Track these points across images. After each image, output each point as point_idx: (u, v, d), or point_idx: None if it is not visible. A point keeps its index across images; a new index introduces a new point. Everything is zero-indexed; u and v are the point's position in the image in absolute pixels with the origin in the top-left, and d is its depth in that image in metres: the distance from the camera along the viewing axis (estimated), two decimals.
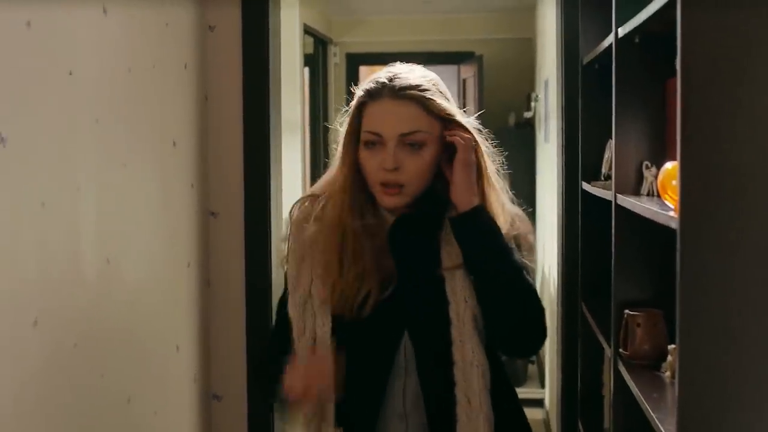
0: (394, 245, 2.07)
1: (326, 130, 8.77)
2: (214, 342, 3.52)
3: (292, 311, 2.10)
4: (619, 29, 2.45)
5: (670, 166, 2.01)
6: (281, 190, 3.77)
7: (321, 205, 2.11)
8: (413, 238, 2.08)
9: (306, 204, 2.15)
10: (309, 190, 2.23)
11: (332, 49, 8.77)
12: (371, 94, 2.03)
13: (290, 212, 2.17)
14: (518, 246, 2.06)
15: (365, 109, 2.04)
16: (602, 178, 3.16)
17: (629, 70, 2.49)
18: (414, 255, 2.07)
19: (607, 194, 2.68)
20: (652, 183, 2.37)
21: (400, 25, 8.84)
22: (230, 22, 3.49)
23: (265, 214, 3.55)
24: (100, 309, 2.59)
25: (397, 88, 2.00)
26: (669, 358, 2.30)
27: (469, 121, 2.07)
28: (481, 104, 8.09)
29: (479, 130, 2.08)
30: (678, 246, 1.65)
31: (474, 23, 8.65)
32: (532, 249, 2.12)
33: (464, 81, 9.02)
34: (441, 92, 2.04)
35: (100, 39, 2.59)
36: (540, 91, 6.73)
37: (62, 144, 2.38)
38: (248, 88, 3.49)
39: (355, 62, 9.09)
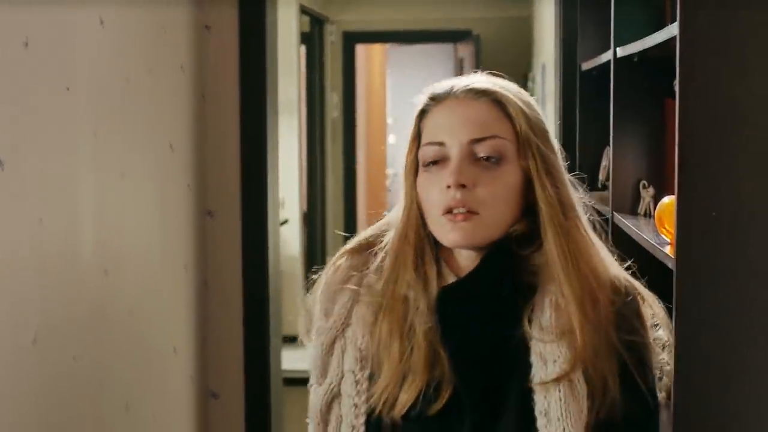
0: (446, 328, 1.47)
1: (323, 110, 8.76)
2: (212, 341, 3.53)
3: (313, 407, 1.60)
4: (618, 49, 2.45)
5: (668, 201, 2.00)
6: (278, 187, 3.78)
7: (374, 260, 1.58)
8: (476, 318, 1.48)
9: (347, 260, 1.61)
10: (357, 238, 1.64)
11: (329, 28, 8.73)
12: (435, 98, 1.53)
13: (326, 270, 1.63)
14: (629, 328, 1.49)
15: (426, 119, 1.54)
16: (599, 187, 3.16)
17: (628, 88, 2.49)
18: (477, 348, 1.48)
19: (604, 209, 2.69)
20: (649, 203, 2.38)
21: (397, 3, 8.79)
22: (227, 21, 3.47)
23: (262, 212, 3.56)
24: (98, 320, 2.60)
25: (470, 87, 1.50)
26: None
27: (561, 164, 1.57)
28: None
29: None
30: (674, 290, 1.65)
31: (471, 1, 8.61)
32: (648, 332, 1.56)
33: (461, 60, 8.99)
34: (535, 110, 1.54)
35: (98, 51, 2.58)
36: (537, 73, 6.71)
37: (60, 160, 2.38)
38: (246, 87, 3.48)
39: (351, 41, 9.05)
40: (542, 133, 1.52)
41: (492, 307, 1.48)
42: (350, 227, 10.14)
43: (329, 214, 9.43)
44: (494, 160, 1.47)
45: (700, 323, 1.64)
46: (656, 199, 2.36)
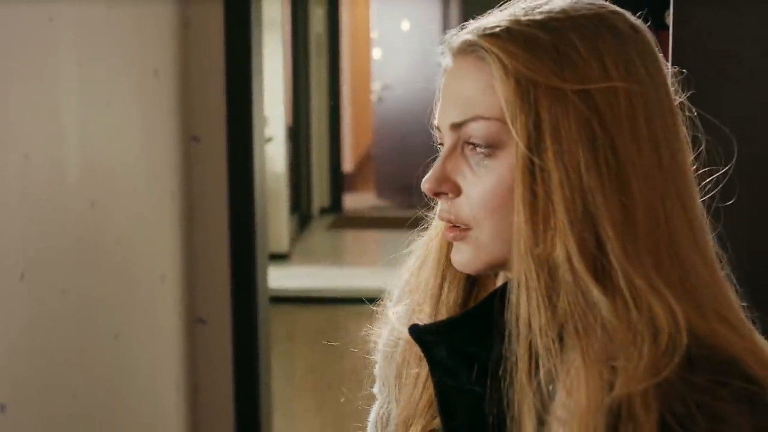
0: (432, 373, 1.09)
1: (307, 25, 8.66)
2: (199, 267, 3.53)
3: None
4: None
5: None
6: (263, 109, 3.75)
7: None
8: (462, 374, 1.05)
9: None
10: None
11: None
12: (443, 60, 1.07)
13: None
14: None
15: None
16: None
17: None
18: (464, 407, 1.06)
19: None
20: None
21: None
22: None
23: (248, 136, 3.53)
24: (85, 252, 2.59)
25: (461, 39, 1.02)
26: None
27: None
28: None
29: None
30: None
31: None
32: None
33: None
34: (577, 51, 0.95)
35: None
36: None
37: (44, 92, 2.35)
38: (229, 9, 3.43)
39: None
40: (564, 93, 0.95)
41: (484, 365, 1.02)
42: (335, 142, 10.11)
43: (314, 129, 9.39)
44: (484, 152, 0.99)
45: None
46: None
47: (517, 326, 0.96)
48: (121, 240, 2.83)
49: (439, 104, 1.05)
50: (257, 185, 3.57)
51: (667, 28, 1.73)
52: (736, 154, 1.32)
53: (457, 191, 1.02)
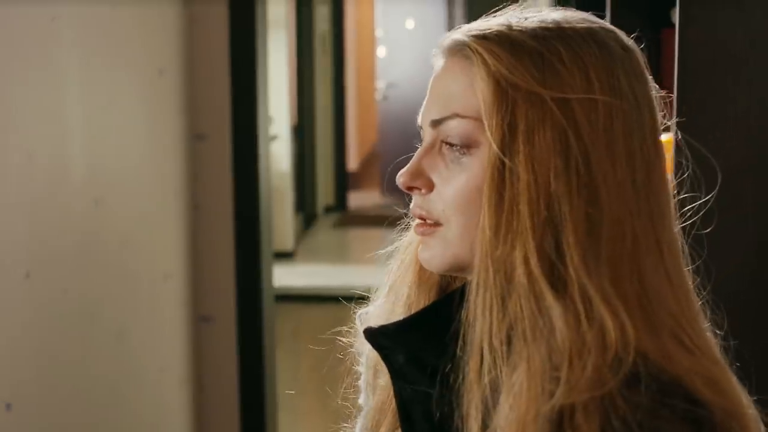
0: (392, 377, 1.09)
1: (311, 23, 8.65)
2: (204, 266, 3.53)
3: None
4: None
5: (664, 139, 1.98)
6: (268, 107, 3.75)
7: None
8: (416, 377, 1.06)
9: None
10: None
11: None
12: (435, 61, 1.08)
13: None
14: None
15: None
16: None
17: (626, 12, 2.44)
18: (422, 412, 1.06)
19: None
20: None
21: None
22: None
23: (253, 134, 3.53)
24: (89, 251, 2.59)
25: (450, 38, 1.04)
26: None
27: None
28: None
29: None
30: None
31: None
32: None
33: None
34: (562, 60, 0.96)
35: None
36: None
37: (48, 91, 2.35)
38: (234, 7, 3.43)
39: None
40: (542, 98, 0.95)
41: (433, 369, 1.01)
42: (340, 140, 10.10)
43: (319, 127, 9.39)
44: (459, 151, 1.00)
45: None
46: None
47: (470, 326, 0.96)
48: (125, 238, 2.83)
49: (424, 102, 1.06)
50: (262, 183, 3.57)
51: (673, 26, 1.73)
52: (742, 155, 1.31)
53: (430, 187, 1.03)
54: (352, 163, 11.21)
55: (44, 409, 2.34)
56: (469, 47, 0.99)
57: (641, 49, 1.03)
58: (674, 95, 1.67)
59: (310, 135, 8.91)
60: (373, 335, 1.08)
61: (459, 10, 9.37)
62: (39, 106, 2.30)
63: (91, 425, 2.62)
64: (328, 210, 9.97)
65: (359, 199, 10.53)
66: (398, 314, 1.13)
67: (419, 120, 1.07)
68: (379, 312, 1.18)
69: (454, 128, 1.00)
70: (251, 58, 3.48)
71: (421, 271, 1.12)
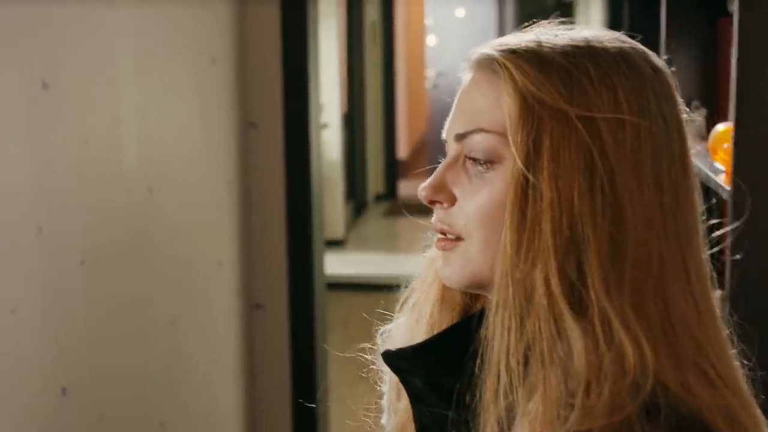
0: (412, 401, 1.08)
1: (362, 11, 8.65)
2: (256, 253, 3.54)
3: None
4: None
5: (722, 129, 1.96)
6: (319, 95, 3.75)
7: None
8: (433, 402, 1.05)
9: None
10: None
11: None
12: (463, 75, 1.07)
13: None
14: None
15: None
16: None
17: (680, 4, 2.42)
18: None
19: None
20: (701, 125, 2.33)
21: None
22: None
23: (305, 122, 3.54)
24: (144, 239, 2.61)
25: (479, 52, 1.03)
26: None
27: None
28: None
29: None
30: (729, 223, 1.62)
31: None
32: None
33: None
34: (590, 79, 0.95)
35: None
36: None
37: (103, 79, 2.37)
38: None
39: None
40: (568, 116, 0.93)
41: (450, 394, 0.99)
42: (390, 129, 10.10)
43: (369, 116, 9.39)
44: (482, 164, 0.99)
45: (752, 254, 1.62)
46: (708, 120, 2.31)
47: (488, 345, 0.95)
48: (178, 226, 2.85)
49: (449, 116, 1.05)
50: (314, 171, 3.58)
51: (729, 15, 1.71)
52: None
53: (452, 201, 1.01)
54: (402, 151, 11.21)
55: (98, 394, 2.37)
56: (497, 62, 0.98)
57: (697, 39, 1.01)
58: (732, 85, 1.65)
59: (360, 123, 8.91)
60: (390, 358, 1.08)
61: None
62: (94, 94, 2.32)
63: (144, 411, 2.64)
64: (379, 198, 9.98)
65: (409, 188, 10.53)
66: (420, 333, 1.12)
67: (444, 134, 1.05)
68: (401, 330, 1.17)
69: (479, 143, 0.99)
70: (302, 46, 3.48)
71: (445, 290, 1.11)
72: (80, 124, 2.25)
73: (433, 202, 1.03)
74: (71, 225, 2.21)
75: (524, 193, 0.93)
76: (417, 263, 1.16)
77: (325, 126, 6.99)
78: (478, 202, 0.98)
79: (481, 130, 0.98)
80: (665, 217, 0.94)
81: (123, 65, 2.48)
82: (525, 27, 1.04)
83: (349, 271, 7.09)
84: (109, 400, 2.42)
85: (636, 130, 0.93)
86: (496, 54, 0.99)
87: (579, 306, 0.91)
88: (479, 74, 1.01)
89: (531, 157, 0.93)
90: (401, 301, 1.20)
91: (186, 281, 2.93)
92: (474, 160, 0.99)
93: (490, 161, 0.98)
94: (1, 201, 1.97)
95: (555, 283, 0.91)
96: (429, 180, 1.02)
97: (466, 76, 1.04)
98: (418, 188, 1.03)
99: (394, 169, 10.23)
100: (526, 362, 0.92)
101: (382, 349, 1.14)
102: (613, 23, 3.63)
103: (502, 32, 9.36)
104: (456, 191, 1.01)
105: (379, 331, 1.21)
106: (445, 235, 1.02)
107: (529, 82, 0.95)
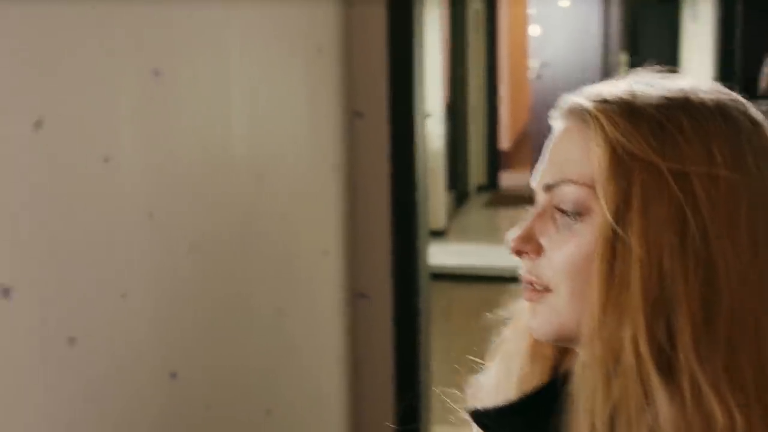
0: None
1: (464, 1, 8.62)
2: (361, 243, 3.54)
3: None
4: None
5: None
6: (424, 85, 3.74)
7: None
8: None
9: None
10: None
11: None
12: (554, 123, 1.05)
13: None
14: None
15: None
16: (758, 95, 3.01)
17: None
18: None
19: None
20: None
21: None
22: None
23: (410, 112, 3.53)
24: (252, 226, 2.63)
25: (571, 102, 1.01)
26: None
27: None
28: None
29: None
30: None
31: None
32: None
33: None
34: (682, 131, 0.91)
35: None
36: None
37: (213, 67, 2.39)
38: None
39: None
40: (660, 170, 0.90)
41: None
42: (492, 119, 10.05)
43: (471, 106, 9.36)
44: (571, 216, 0.96)
45: None
46: None
47: (573, 404, 0.93)
48: (285, 214, 2.86)
49: (539, 166, 1.03)
50: (419, 161, 3.56)
51: None
52: None
53: (539, 252, 1.00)
54: (504, 142, 11.14)
55: (205, 379, 2.39)
56: (588, 112, 0.96)
57: None
58: None
59: (462, 113, 8.88)
60: (478, 416, 1.07)
61: None
62: (205, 82, 2.34)
63: (250, 399, 2.66)
64: (480, 189, 9.93)
65: (511, 179, 10.46)
66: (509, 387, 1.10)
67: (533, 183, 1.03)
68: (490, 381, 1.15)
69: (568, 194, 0.97)
70: (407, 36, 3.47)
71: (535, 342, 1.09)
72: (191, 111, 2.27)
73: (520, 253, 1.02)
74: (180, 210, 2.23)
75: (612, 247, 0.91)
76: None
77: (427, 116, 6.97)
78: (565, 253, 0.96)
79: (570, 181, 0.96)
80: (763, 278, 0.90)
81: (232, 53, 2.49)
82: (622, 76, 1.01)
83: (451, 261, 7.07)
84: (216, 385, 2.44)
85: (731, 185, 0.90)
86: (587, 103, 0.97)
87: (668, 368, 0.88)
88: (570, 124, 0.99)
89: (620, 211, 0.91)
90: (492, 349, 1.18)
91: (292, 270, 2.94)
92: (562, 211, 0.97)
93: (578, 213, 0.96)
94: (116, 185, 2.00)
95: (643, 343, 0.88)
96: (518, 231, 1.01)
97: (558, 124, 1.02)
98: (507, 237, 1.02)
99: (495, 160, 10.18)
100: (612, 424, 0.89)
101: (470, 400, 1.14)
102: (725, 20, 3.53)
103: (606, 24, 9.24)
104: (544, 242, 0.99)
105: (469, 381, 1.19)
106: (533, 285, 1.00)
107: (619, 133, 0.92)
